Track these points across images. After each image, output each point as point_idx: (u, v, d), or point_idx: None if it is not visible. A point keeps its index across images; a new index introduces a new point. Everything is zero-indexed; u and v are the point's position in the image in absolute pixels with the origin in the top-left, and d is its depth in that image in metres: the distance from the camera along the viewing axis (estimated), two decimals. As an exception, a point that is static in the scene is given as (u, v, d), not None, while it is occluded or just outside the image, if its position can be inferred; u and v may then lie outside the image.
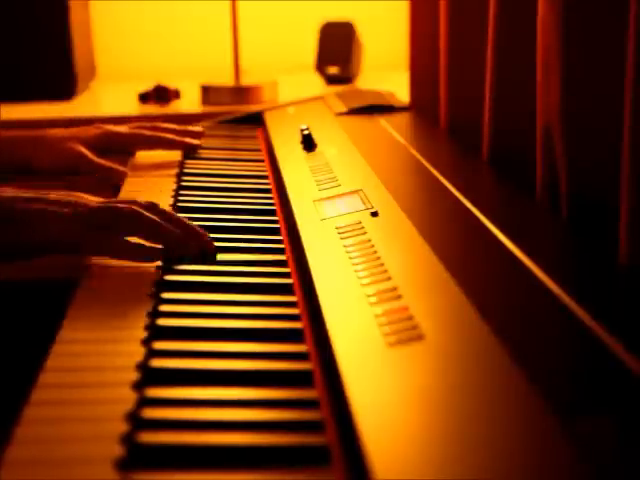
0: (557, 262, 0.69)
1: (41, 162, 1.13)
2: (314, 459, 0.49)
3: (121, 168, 1.14)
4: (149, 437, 0.50)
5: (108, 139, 1.17)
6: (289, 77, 1.82)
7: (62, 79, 1.64)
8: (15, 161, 1.14)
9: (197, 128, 1.27)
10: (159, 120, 1.30)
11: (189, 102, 1.64)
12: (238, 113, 1.47)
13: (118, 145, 1.18)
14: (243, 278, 0.75)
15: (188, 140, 1.20)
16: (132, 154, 1.20)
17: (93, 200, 0.80)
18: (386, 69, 1.89)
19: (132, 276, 0.77)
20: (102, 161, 1.14)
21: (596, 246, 0.71)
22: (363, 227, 0.77)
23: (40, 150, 1.13)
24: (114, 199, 0.84)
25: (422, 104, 1.30)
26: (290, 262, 0.79)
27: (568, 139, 0.77)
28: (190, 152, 1.19)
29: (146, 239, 0.78)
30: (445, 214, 0.81)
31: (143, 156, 1.20)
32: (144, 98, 1.64)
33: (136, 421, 0.52)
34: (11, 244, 0.78)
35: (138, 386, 0.56)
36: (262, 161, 1.18)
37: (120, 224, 0.77)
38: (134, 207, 0.78)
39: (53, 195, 0.80)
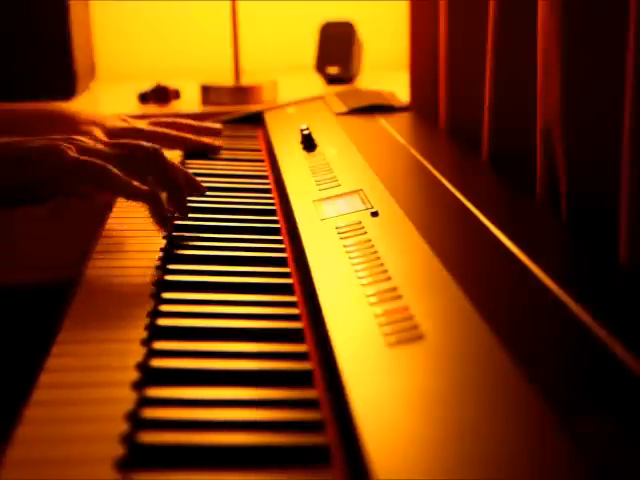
0: (557, 262, 0.69)
1: None
2: (314, 459, 0.49)
3: None
4: (149, 437, 0.50)
5: (130, 134, 1.13)
6: (289, 77, 1.82)
7: (62, 79, 1.64)
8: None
9: (216, 125, 1.27)
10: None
11: (189, 102, 1.64)
12: (238, 113, 1.47)
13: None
14: (243, 278, 0.75)
15: (209, 142, 1.20)
16: None
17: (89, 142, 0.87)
18: (386, 69, 1.89)
19: (132, 276, 0.77)
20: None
21: (596, 246, 0.71)
22: (363, 227, 0.77)
23: (63, 128, 1.11)
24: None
25: (422, 104, 1.30)
26: (290, 262, 0.79)
27: (568, 140, 0.77)
28: (212, 153, 1.18)
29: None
30: (445, 214, 0.81)
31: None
32: (144, 98, 1.63)
33: (136, 421, 0.52)
34: (22, 182, 0.82)
35: (138, 386, 0.56)
36: (262, 161, 1.18)
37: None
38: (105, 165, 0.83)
39: (56, 136, 0.86)
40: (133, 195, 0.83)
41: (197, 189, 0.92)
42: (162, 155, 0.88)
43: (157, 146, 0.88)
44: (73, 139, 0.85)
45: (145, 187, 0.83)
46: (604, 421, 0.44)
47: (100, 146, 0.86)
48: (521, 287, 0.62)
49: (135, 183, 0.83)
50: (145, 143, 0.88)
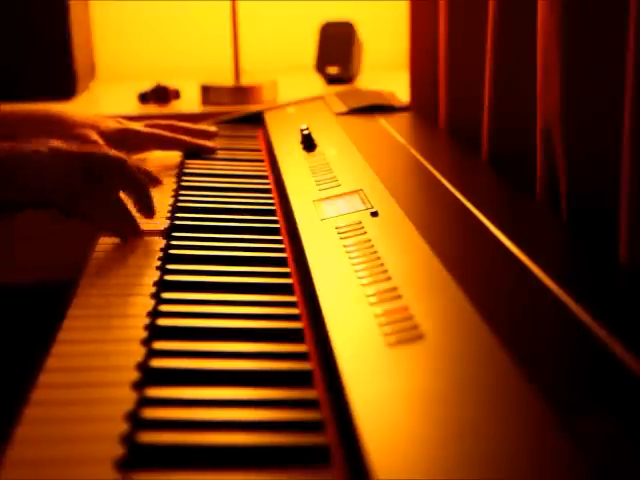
0: (557, 262, 0.69)
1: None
2: (314, 459, 0.49)
3: None
4: (149, 437, 0.50)
5: (126, 136, 1.15)
6: (289, 77, 1.82)
7: (62, 79, 1.64)
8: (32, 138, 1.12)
9: (211, 128, 1.28)
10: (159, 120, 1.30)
11: (189, 102, 1.64)
12: (238, 113, 1.47)
13: (135, 143, 1.16)
14: (243, 278, 0.75)
15: (203, 143, 1.21)
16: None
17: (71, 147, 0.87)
18: (386, 69, 1.89)
19: (132, 276, 0.77)
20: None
21: (596, 246, 0.71)
22: (363, 227, 0.77)
23: (57, 131, 1.11)
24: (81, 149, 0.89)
25: (422, 104, 1.30)
26: (290, 262, 0.79)
27: (568, 140, 0.77)
28: (207, 154, 1.19)
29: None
30: (445, 214, 0.81)
31: (142, 156, 1.19)
32: (144, 98, 1.63)
33: (136, 421, 0.52)
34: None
35: (138, 386, 0.56)
36: (262, 161, 1.18)
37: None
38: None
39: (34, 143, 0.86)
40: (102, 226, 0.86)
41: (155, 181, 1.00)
42: (128, 165, 0.87)
43: (123, 156, 0.88)
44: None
45: (113, 222, 0.85)
46: (604, 421, 0.44)
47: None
48: (521, 287, 0.62)
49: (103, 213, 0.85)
50: (111, 154, 0.87)
